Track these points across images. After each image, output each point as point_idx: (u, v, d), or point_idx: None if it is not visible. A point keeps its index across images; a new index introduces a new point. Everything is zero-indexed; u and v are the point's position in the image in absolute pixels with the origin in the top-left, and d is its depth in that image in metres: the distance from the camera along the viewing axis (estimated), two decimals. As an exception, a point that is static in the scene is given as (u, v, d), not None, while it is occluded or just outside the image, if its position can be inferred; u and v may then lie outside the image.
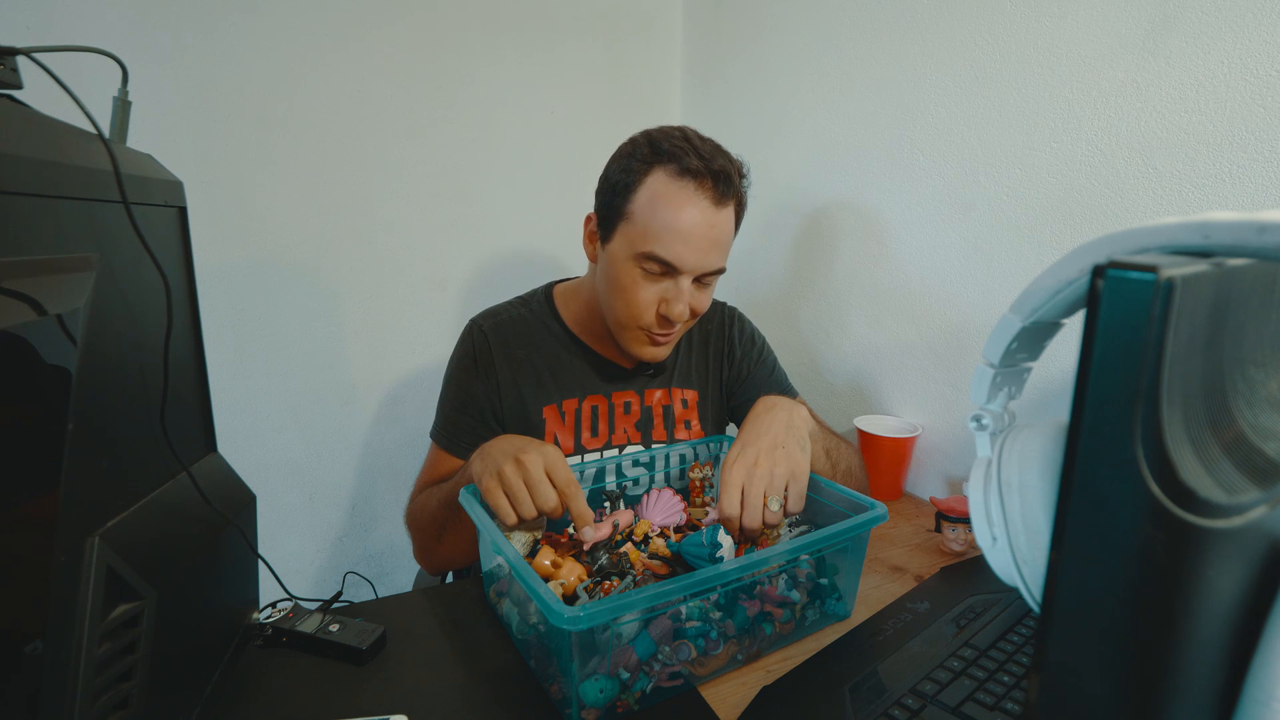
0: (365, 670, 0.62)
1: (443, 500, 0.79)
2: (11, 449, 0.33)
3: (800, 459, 0.71)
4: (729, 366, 0.99)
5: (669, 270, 0.78)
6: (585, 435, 0.90)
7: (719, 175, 0.76)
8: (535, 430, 0.88)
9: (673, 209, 0.75)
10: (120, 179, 0.41)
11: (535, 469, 0.65)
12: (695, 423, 0.96)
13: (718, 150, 0.79)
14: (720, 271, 0.81)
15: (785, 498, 0.69)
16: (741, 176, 0.81)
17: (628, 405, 0.93)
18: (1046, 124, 0.87)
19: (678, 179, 0.75)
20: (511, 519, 0.64)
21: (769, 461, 0.69)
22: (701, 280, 0.81)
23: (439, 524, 0.81)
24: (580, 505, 0.66)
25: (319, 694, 0.59)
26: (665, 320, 0.81)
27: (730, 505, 0.68)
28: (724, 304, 1.03)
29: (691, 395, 0.97)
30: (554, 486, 0.65)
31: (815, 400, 1.27)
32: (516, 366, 0.90)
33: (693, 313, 0.82)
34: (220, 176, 1.14)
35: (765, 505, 0.67)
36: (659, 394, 0.95)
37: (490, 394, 0.89)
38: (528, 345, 0.91)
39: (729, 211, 0.79)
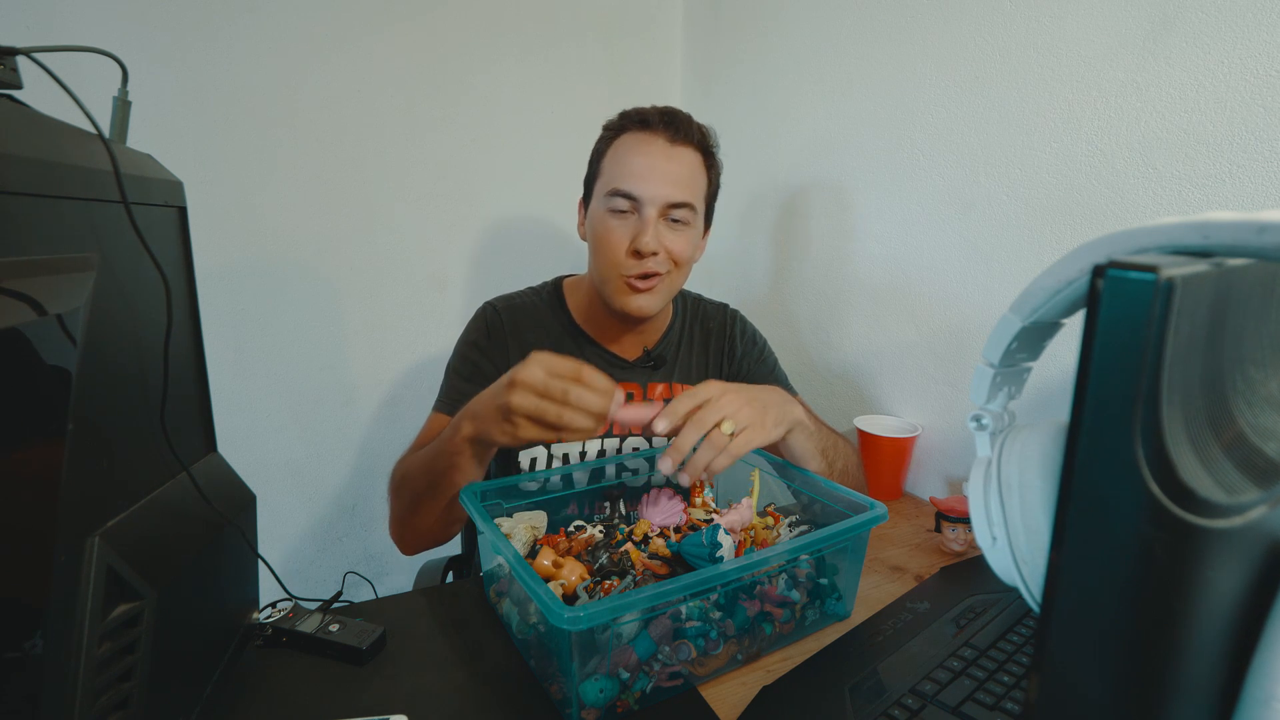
0: (365, 670, 0.62)
1: (422, 465, 0.77)
2: (11, 449, 0.33)
3: (769, 429, 0.70)
4: (729, 365, 1.00)
5: (634, 203, 0.83)
6: None
7: (670, 119, 0.84)
8: None
9: (632, 153, 0.84)
10: (120, 179, 0.41)
11: (535, 379, 0.63)
12: None
13: (676, 111, 0.86)
14: (687, 208, 0.84)
15: (735, 435, 0.67)
16: (705, 135, 0.87)
17: (630, 397, 0.94)
18: (1046, 124, 0.87)
19: (637, 133, 0.85)
20: (553, 435, 0.64)
21: (740, 402, 0.69)
22: (670, 218, 0.84)
23: (415, 492, 0.79)
24: (592, 375, 0.64)
25: (319, 694, 0.59)
26: (638, 255, 0.83)
27: (683, 404, 0.67)
28: (726, 305, 1.04)
29: None
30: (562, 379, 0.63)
31: (815, 400, 1.27)
32: (526, 350, 0.90)
33: (669, 256, 0.85)
34: (220, 176, 1.14)
35: (719, 427, 0.66)
36: (660, 388, 0.96)
37: (501, 371, 0.89)
38: (537, 330, 0.93)
39: (688, 151, 0.85)
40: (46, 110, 0.39)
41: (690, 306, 1.03)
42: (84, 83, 0.40)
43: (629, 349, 0.96)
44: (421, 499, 0.78)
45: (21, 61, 0.39)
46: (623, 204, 0.83)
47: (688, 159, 0.85)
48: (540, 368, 0.64)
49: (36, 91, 0.40)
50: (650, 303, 0.86)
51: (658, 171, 0.82)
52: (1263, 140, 0.69)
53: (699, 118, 0.87)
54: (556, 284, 0.99)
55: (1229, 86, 0.71)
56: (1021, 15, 0.88)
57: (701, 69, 1.49)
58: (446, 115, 1.30)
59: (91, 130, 0.40)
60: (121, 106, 0.50)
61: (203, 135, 1.11)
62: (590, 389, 0.63)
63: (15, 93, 0.38)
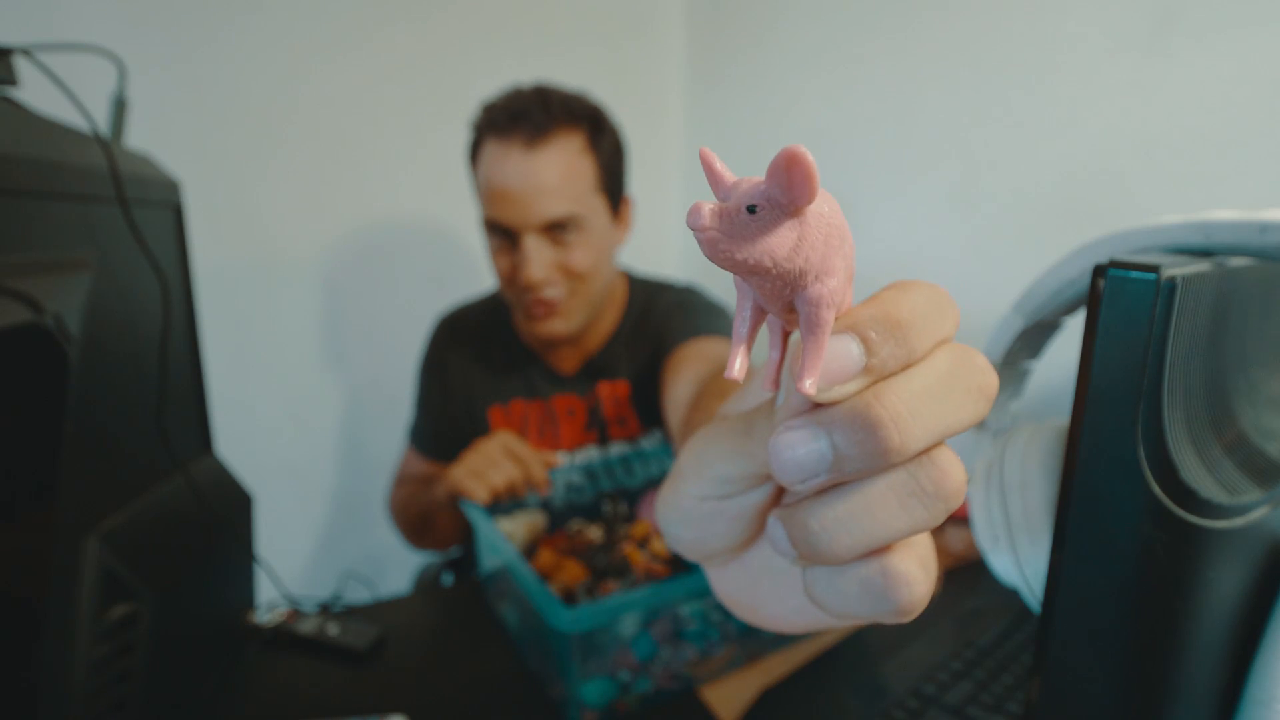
0: (364, 671, 0.62)
1: (419, 509, 0.82)
2: (9, 450, 0.33)
3: None
4: (650, 345, 0.88)
5: (506, 233, 0.75)
6: (533, 439, 0.88)
7: (521, 113, 0.73)
8: (481, 430, 0.88)
9: (491, 169, 0.74)
10: (117, 179, 0.41)
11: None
12: (631, 419, 0.89)
13: (536, 93, 0.76)
14: (568, 220, 0.74)
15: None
16: (578, 107, 0.76)
17: (571, 410, 0.89)
18: (1046, 124, 0.86)
19: (495, 140, 0.74)
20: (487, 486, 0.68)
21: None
22: (555, 237, 0.75)
23: (416, 527, 0.84)
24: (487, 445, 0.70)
25: (317, 695, 0.59)
26: (526, 289, 0.75)
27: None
28: (685, 287, 0.94)
29: (623, 388, 0.89)
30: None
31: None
32: (467, 365, 0.89)
33: (567, 273, 0.76)
34: (219, 176, 1.13)
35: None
36: (605, 387, 0.88)
37: (443, 392, 0.90)
38: (485, 342, 0.89)
39: (555, 144, 0.73)
40: (44, 109, 0.39)
41: (642, 302, 0.90)
42: (82, 82, 0.40)
43: (566, 361, 0.89)
44: (424, 531, 0.82)
45: (19, 60, 0.38)
46: (498, 234, 0.76)
47: (555, 156, 0.73)
48: (496, 445, 0.71)
49: (34, 91, 0.40)
50: (559, 326, 0.78)
51: (521, 190, 0.72)
52: (1265, 139, 0.69)
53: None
54: None
55: (1232, 85, 0.71)
56: (1021, 15, 0.88)
57: (703, 69, 1.49)
58: (447, 116, 1.29)
59: (88, 129, 0.40)
60: (119, 106, 0.50)
61: (201, 135, 1.11)
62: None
63: (12, 91, 0.38)
